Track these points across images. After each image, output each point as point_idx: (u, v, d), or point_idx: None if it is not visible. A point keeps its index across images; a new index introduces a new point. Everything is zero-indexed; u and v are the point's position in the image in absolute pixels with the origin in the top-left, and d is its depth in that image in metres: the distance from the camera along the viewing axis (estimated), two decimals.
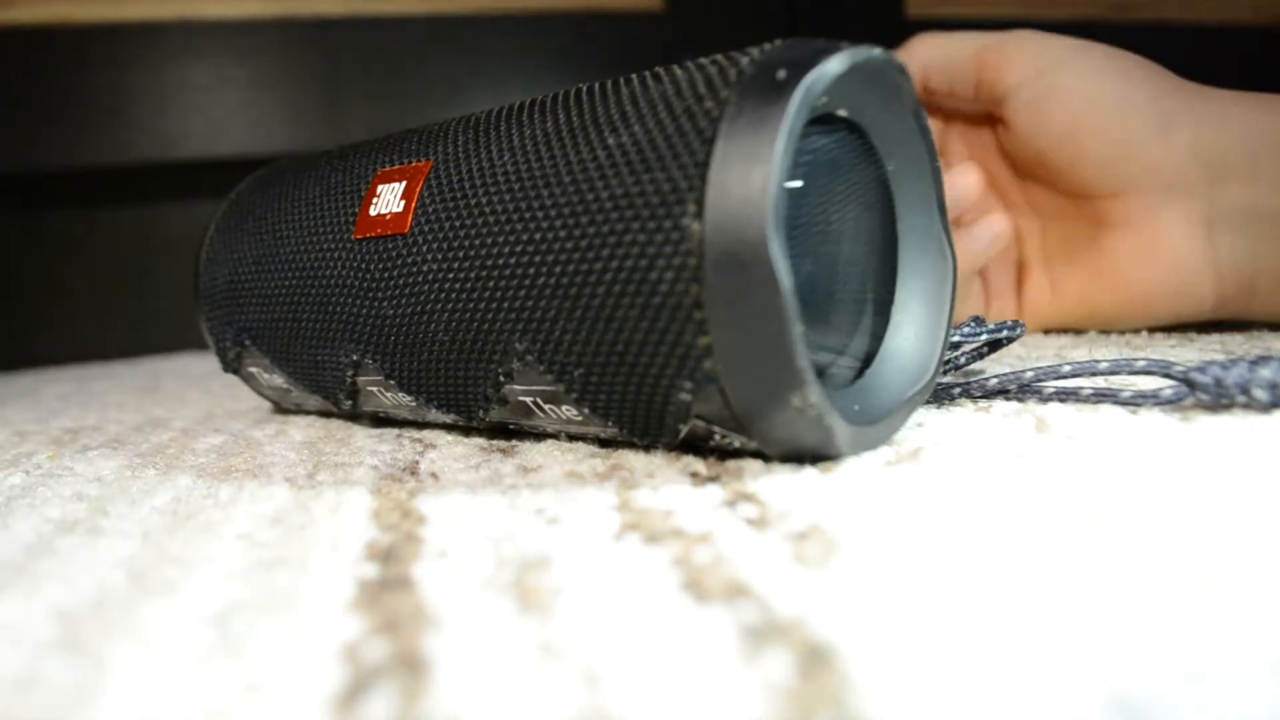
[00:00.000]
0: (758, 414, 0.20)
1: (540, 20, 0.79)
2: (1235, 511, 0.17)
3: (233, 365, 0.34)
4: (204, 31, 0.73)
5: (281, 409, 0.37)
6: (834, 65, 0.20)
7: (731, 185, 0.19)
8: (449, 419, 0.28)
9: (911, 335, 0.25)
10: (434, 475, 0.24)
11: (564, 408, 0.24)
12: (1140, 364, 0.25)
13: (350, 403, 0.30)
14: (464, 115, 0.28)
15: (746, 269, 0.19)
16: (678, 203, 0.20)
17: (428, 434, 0.29)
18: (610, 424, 0.23)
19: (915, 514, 0.18)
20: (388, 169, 0.28)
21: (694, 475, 0.22)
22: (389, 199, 0.27)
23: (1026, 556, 0.15)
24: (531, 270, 0.23)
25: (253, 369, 0.34)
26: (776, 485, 0.20)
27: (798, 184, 0.21)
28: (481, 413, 0.26)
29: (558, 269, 0.22)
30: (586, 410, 0.23)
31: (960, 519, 0.17)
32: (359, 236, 0.27)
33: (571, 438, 0.26)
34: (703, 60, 0.22)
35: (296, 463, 0.27)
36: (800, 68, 0.20)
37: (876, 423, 0.23)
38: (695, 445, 0.23)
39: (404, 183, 0.27)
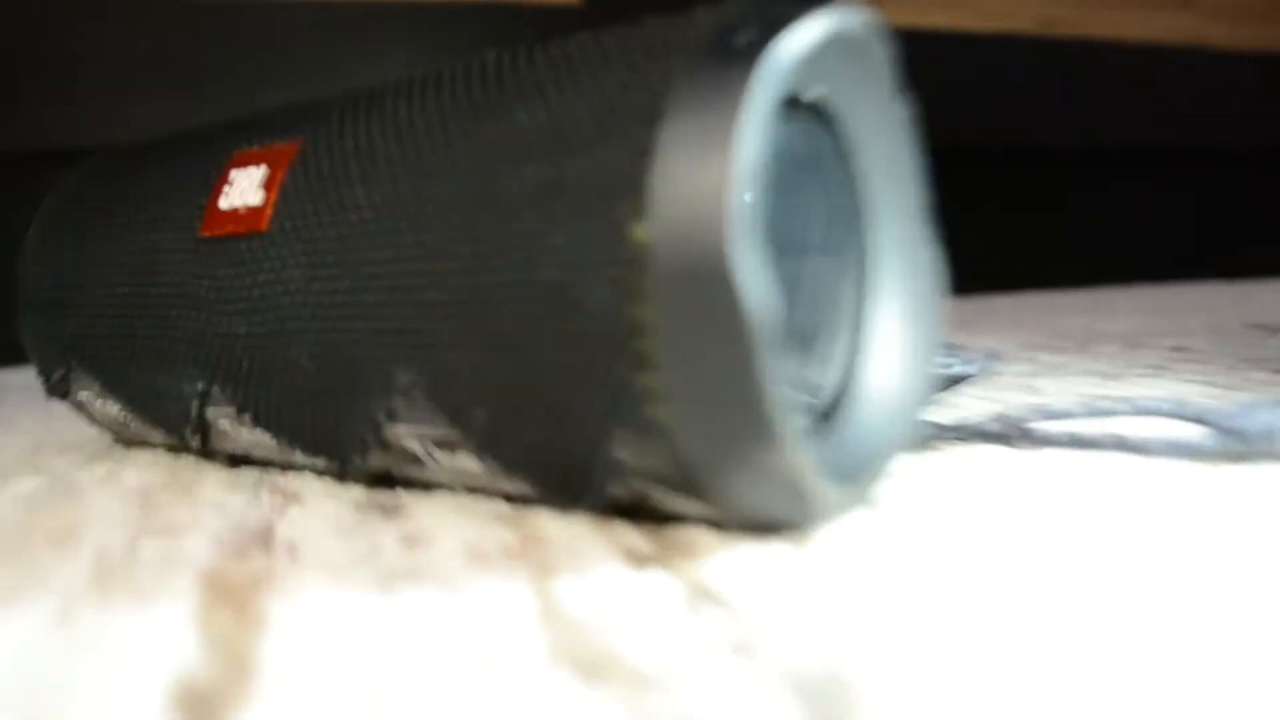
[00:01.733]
0: (714, 474, 0.16)
1: (450, 12, 0.73)
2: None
3: (59, 389, 0.28)
4: None
5: (124, 440, 0.31)
6: (810, 30, 0.15)
7: (685, 177, 0.14)
8: (319, 463, 0.22)
9: (891, 369, 0.20)
10: (292, 549, 0.18)
11: (460, 456, 0.19)
12: (1152, 403, 0.21)
13: (200, 440, 0.25)
14: (346, 90, 0.23)
15: (705, 286, 0.14)
16: (611, 198, 0.15)
17: (294, 481, 0.24)
18: (519, 479, 0.18)
19: (930, 625, 0.13)
20: (246, 150, 0.22)
21: (630, 554, 0.17)
22: (244, 188, 0.21)
23: (1069, 664, 0.11)
24: (420, 281, 0.18)
25: (83, 395, 0.28)
26: (742, 574, 0.15)
27: (766, 177, 0.16)
28: (357, 459, 0.21)
29: (452, 280, 0.17)
30: (490, 461, 0.18)
31: (982, 625, 0.13)
32: (206, 235, 0.22)
33: (471, 489, 0.21)
34: (644, 23, 0.17)
35: (118, 523, 0.21)
36: (766, 30, 0.15)
37: (856, 478, 0.18)
38: (628, 507, 0.18)
39: (264, 168, 0.21)
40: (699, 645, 0.13)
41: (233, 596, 0.16)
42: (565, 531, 0.18)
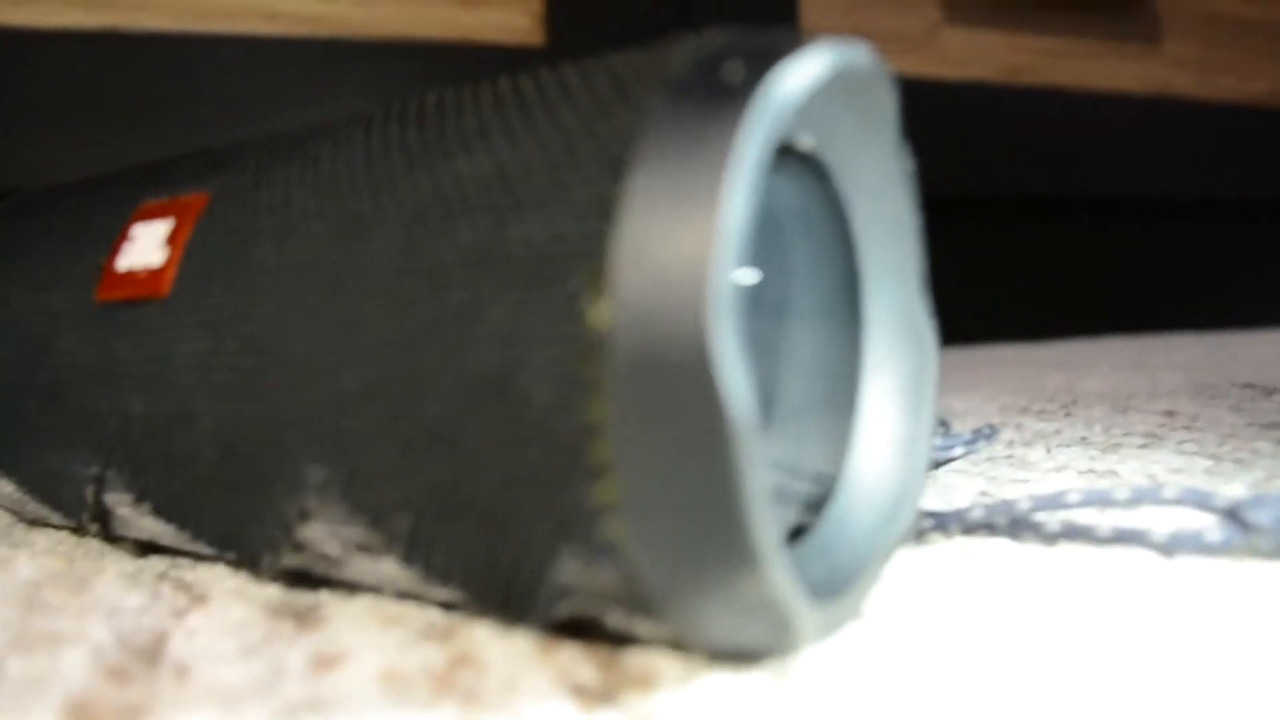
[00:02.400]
0: (681, 597, 0.13)
1: (405, 49, 0.71)
2: None
3: None
4: None
5: (25, 519, 0.28)
6: (809, 67, 0.13)
7: (657, 243, 0.12)
8: (229, 558, 0.19)
9: (883, 452, 0.18)
10: (181, 671, 0.16)
11: (385, 563, 0.16)
12: (1170, 494, 0.19)
13: (99, 527, 0.22)
14: (267, 133, 0.20)
15: (677, 381, 0.12)
16: (562, 266, 0.13)
17: (202, 575, 0.21)
18: (452, 591, 0.16)
19: None
20: (151, 203, 0.20)
21: (577, 689, 0.14)
22: (146, 245, 0.19)
23: None
24: (333, 363, 0.15)
25: None
26: (708, 717, 0.13)
27: (753, 244, 0.14)
28: (268, 559, 0.18)
29: (372, 363, 0.15)
30: (418, 570, 0.16)
31: None
32: (103, 299, 0.19)
33: (402, 594, 0.18)
34: (613, 56, 0.15)
35: None
36: (759, 64, 0.13)
37: (845, 590, 0.16)
38: (578, 626, 0.15)
39: (169, 223, 0.19)
40: None
41: None
42: (502, 654, 0.15)
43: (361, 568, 0.17)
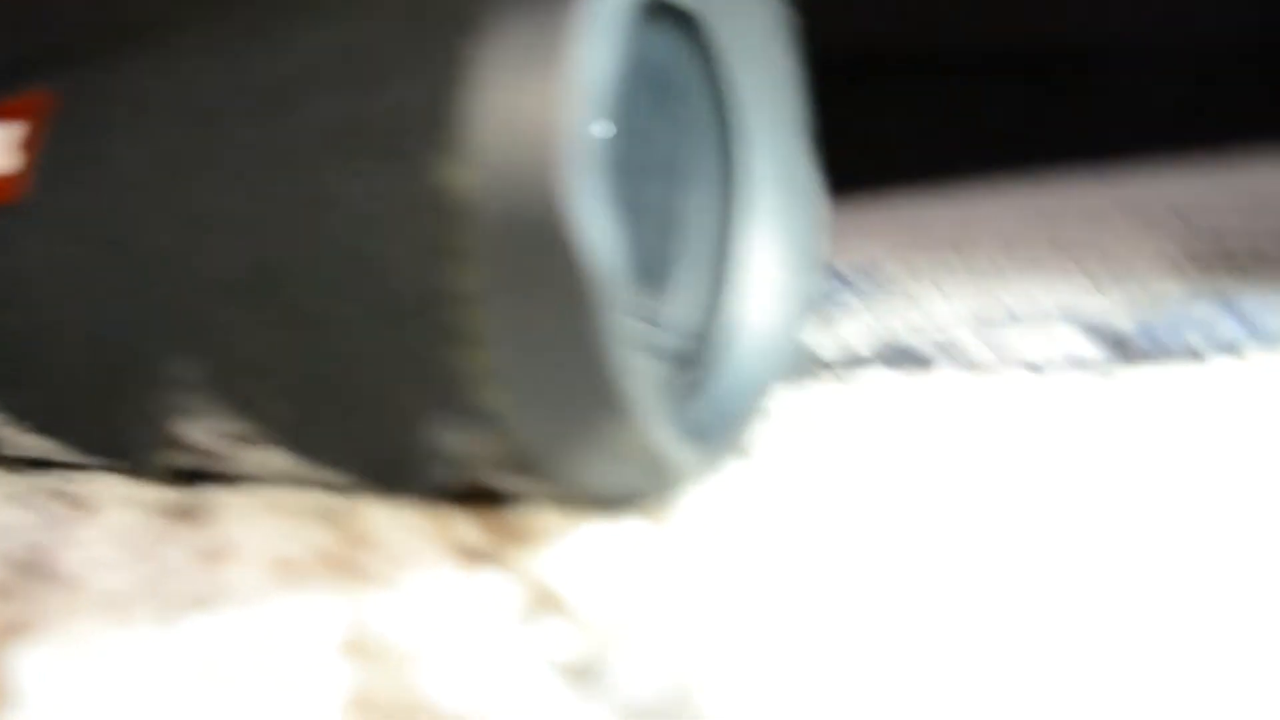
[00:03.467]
0: (557, 455, 0.13)
1: None
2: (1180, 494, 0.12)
3: None
4: None
5: None
6: None
7: (511, 102, 0.12)
8: (113, 465, 0.19)
9: (761, 298, 0.18)
10: (67, 581, 0.15)
11: (268, 452, 0.16)
12: (1054, 314, 0.19)
13: None
14: (105, 12, 0.19)
15: (540, 244, 0.12)
16: (416, 133, 0.12)
17: (89, 485, 0.20)
18: (338, 472, 0.16)
19: (824, 612, 0.11)
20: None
21: (464, 550, 0.14)
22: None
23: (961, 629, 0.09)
24: (195, 254, 0.15)
25: None
26: (591, 565, 0.13)
27: (614, 100, 0.14)
28: (151, 461, 0.18)
29: (234, 250, 0.14)
30: (301, 456, 0.16)
31: (878, 613, 0.11)
32: None
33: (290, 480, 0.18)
34: None
35: None
36: None
37: (726, 429, 0.16)
38: (464, 492, 0.16)
39: (19, 125, 0.18)
40: (530, 672, 0.11)
41: None
42: (391, 526, 0.16)
43: (245, 459, 0.17)
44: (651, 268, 0.17)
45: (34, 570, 0.16)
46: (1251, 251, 0.31)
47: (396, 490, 0.15)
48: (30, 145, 0.18)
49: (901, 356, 0.20)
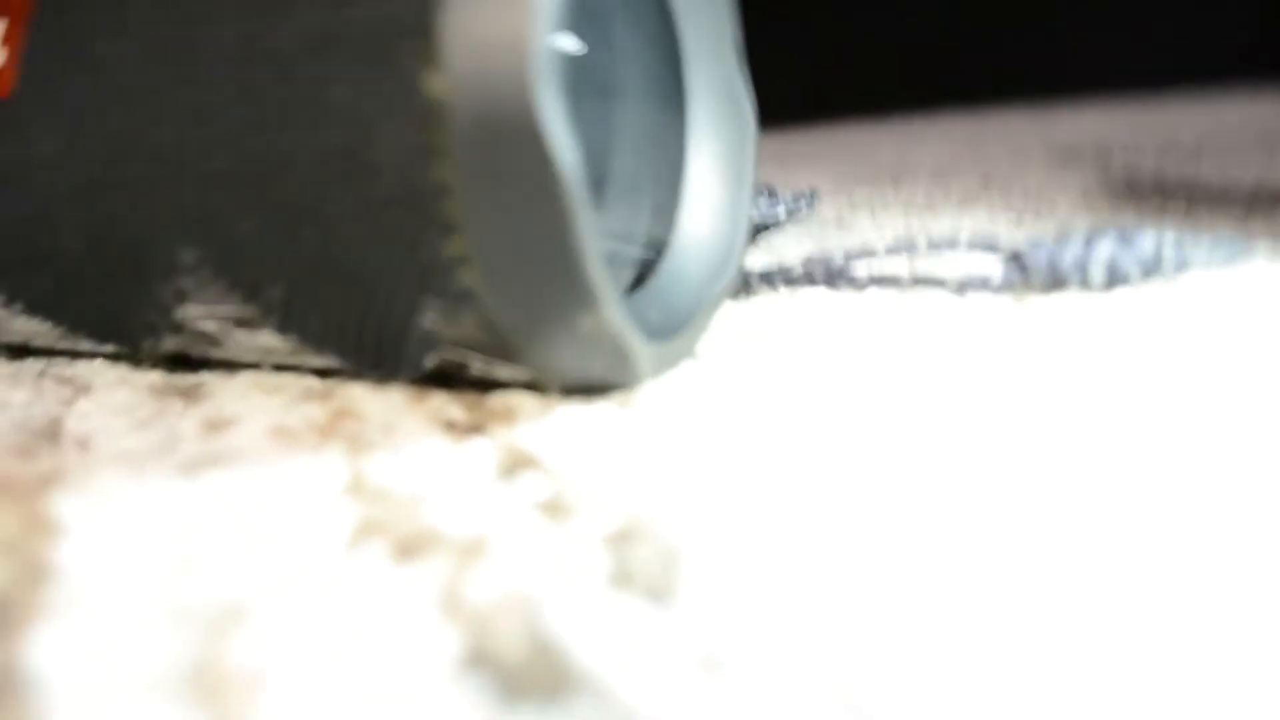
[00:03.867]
0: (532, 338, 0.15)
1: None
2: (1072, 406, 0.14)
3: None
4: None
5: None
6: None
7: (482, 15, 0.13)
8: (108, 349, 0.20)
9: (708, 216, 0.20)
10: (82, 444, 0.17)
11: (262, 334, 0.18)
12: (964, 241, 0.22)
13: None
14: None
15: (511, 143, 0.13)
16: (399, 43, 0.14)
17: (81, 369, 0.22)
18: (327, 354, 0.17)
19: (760, 476, 0.13)
20: None
21: (449, 425, 0.16)
22: None
23: (896, 501, 0.11)
24: (193, 149, 0.16)
25: None
26: (564, 437, 0.15)
27: (573, 14, 0.15)
28: (148, 344, 0.19)
29: (229, 146, 0.16)
30: (293, 338, 0.17)
31: (805, 477, 0.13)
32: None
33: (279, 367, 0.20)
34: None
35: None
36: None
37: (678, 333, 0.18)
38: (446, 376, 0.17)
39: (3, 21, 0.19)
40: (515, 512, 0.13)
41: (17, 499, 0.15)
42: (379, 405, 0.17)
43: (240, 341, 0.18)
44: (607, 178, 0.19)
45: (48, 436, 0.18)
46: (1155, 186, 0.34)
47: (382, 372, 0.17)
48: (11, 41, 0.19)
49: (835, 276, 0.22)
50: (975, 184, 0.38)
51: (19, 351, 0.24)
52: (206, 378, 0.20)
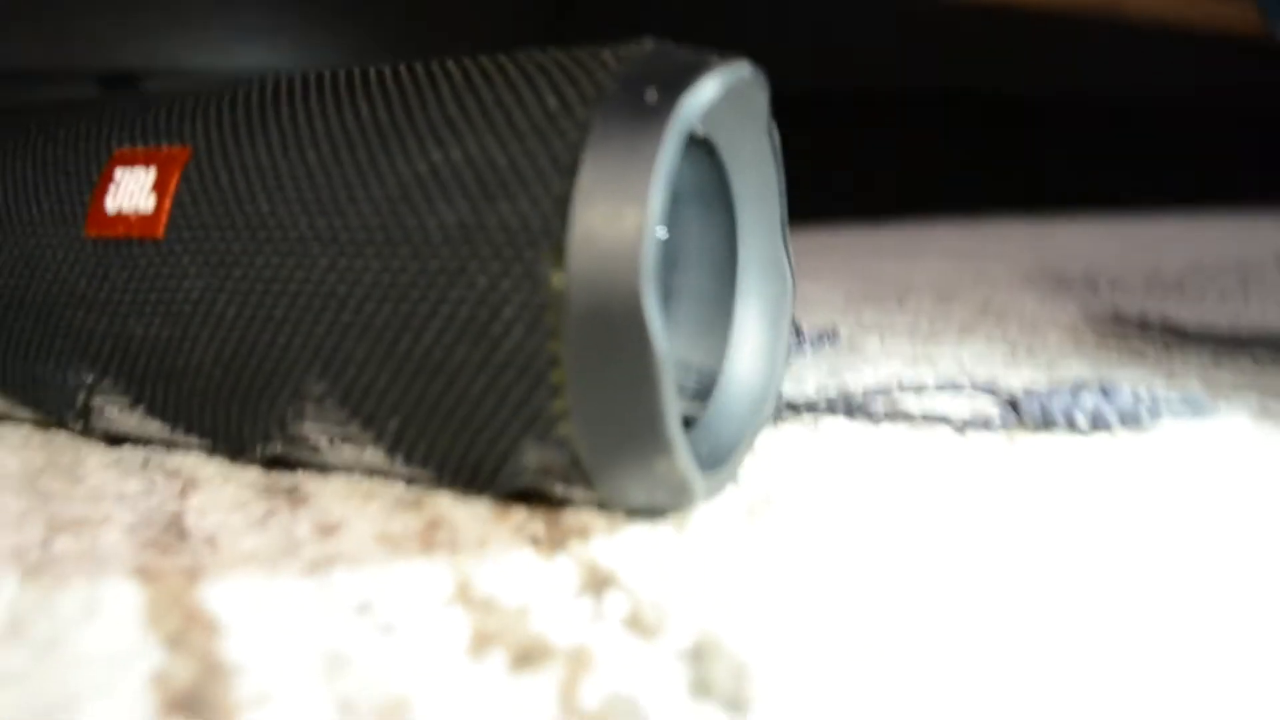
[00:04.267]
0: (612, 476, 0.18)
1: None
2: (1058, 531, 0.17)
3: None
4: None
5: None
6: (709, 88, 0.17)
7: (599, 230, 0.16)
8: (214, 448, 0.23)
9: (751, 359, 0.23)
10: (210, 541, 0.20)
11: (367, 452, 0.20)
12: (968, 385, 0.25)
13: (82, 424, 0.25)
14: (224, 85, 0.23)
15: (616, 330, 0.16)
16: (530, 245, 0.17)
17: (182, 461, 0.25)
18: (427, 472, 0.20)
19: (802, 595, 0.16)
20: (127, 149, 0.23)
21: (534, 540, 0.19)
22: (133, 191, 0.22)
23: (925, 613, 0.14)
24: (333, 304, 0.19)
25: None
26: (634, 556, 0.18)
27: (664, 230, 0.18)
28: (257, 449, 0.22)
29: (368, 306, 0.19)
30: (399, 459, 0.20)
31: (841, 590, 0.16)
32: (93, 235, 0.22)
33: (370, 473, 0.23)
34: (545, 59, 0.19)
35: (20, 517, 0.21)
36: (672, 89, 0.17)
37: (725, 463, 0.21)
38: (526, 493, 0.20)
39: (153, 171, 0.22)
40: (605, 628, 0.15)
41: (173, 593, 0.17)
42: (467, 516, 0.20)
43: (343, 455, 0.21)
44: (679, 327, 0.22)
45: (176, 532, 0.20)
46: (1138, 323, 0.37)
47: (470, 490, 0.20)
48: (162, 188, 0.22)
49: (854, 409, 0.25)
50: (974, 310, 0.41)
51: (115, 439, 0.27)
52: (302, 478, 0.23)
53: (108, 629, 0.16)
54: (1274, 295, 0.44)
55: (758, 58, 0.20)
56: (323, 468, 0.23)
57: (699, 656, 0.14)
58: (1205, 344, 0.34)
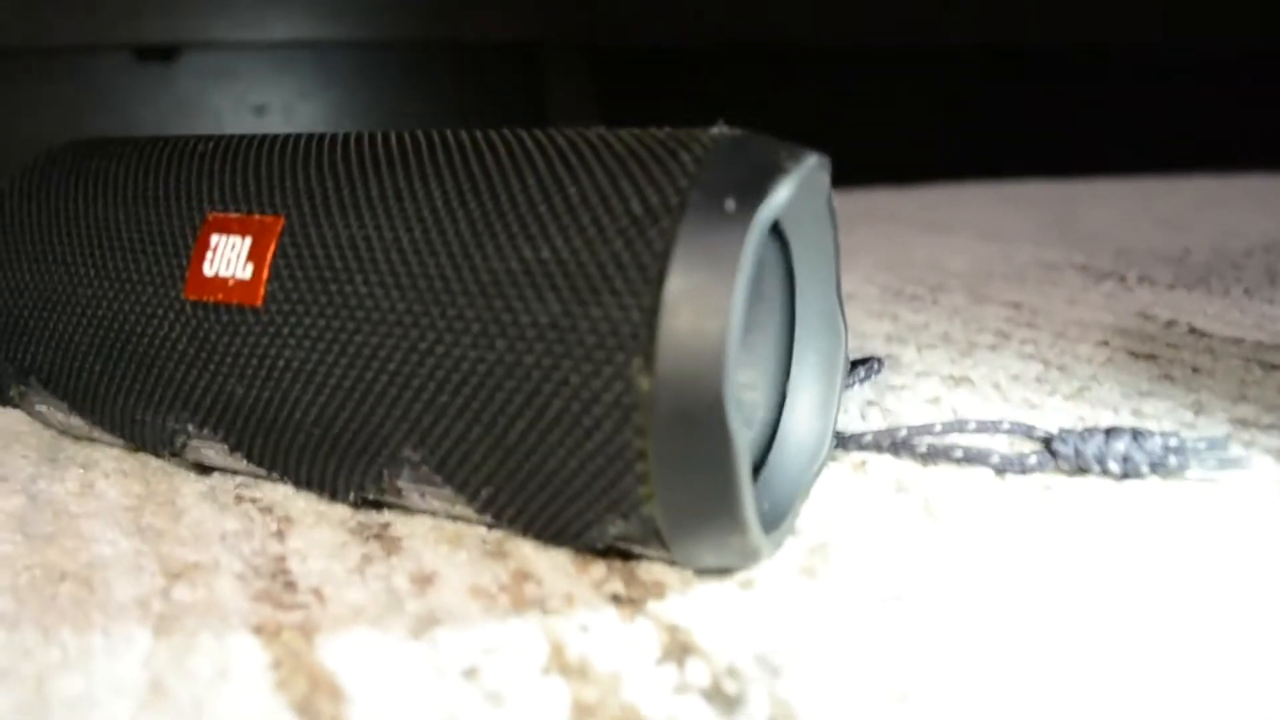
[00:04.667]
0: (689, 546, 0.20)
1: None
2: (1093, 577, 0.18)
3: (11, 402, 0.30)
4: None
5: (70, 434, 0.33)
6: (784, 192, 0.19)
7: (685, 338, 0.18)
8: (308, 491, 0.25)
9: (807, 412, 0.25)
10: (317, 593, 0.22)
11: (458, 507, 0.22)
12: (1005, 426, 0.26)
13: (177, 458, 0.27)
14: (310, 147, 0.24)
15: (699, 430, 0.18)
16: (620, 349, 0.18)
17: (272, 495, 0.27)
18: (514, 529, 0.22)
19: (867, 649, 0.18)
20: (223, 216, 0.24)
21: (615, 599, 0.21)
22: (230, 259, 0.23)
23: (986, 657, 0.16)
24: (432, 385, 0.21)
25: (42, 408, 0.29)
26: (708, 619, 0.20)
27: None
28: (353, 498, 0.24)
29: (465, 390, 0.20)
30: (489, 519, 0.22)
31: (902, 639, 0.18)
32: (192, 298, 0.24)
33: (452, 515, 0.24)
34: (630, 146, 0.20)
35: (132, 558, 0.23)
36: (750, 195, 0.18)
37: (785, 518, 0.22)
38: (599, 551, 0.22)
39: (249, 240, 0.23)
40: (689, 700, 0.17)
41: (294, 653, 0.19)
42: (549, 567, 0.22)
43: (434, 506, 0.23)
44: (749, 401, 0.24)
45: (283, 581, 0.22)
46: (1164, 332, 0.38)
47: (557, 543, 0.22)
48: (258, 257, 0.23)
49: (899, 447, 0.27)
50: (1006, 315, 0.43)
51: (203, 467, 0.29)
52: (390, 517, 0.25)
53: (241, 692, 0.18)
54: None
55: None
56: (409, 510, 0.25)
57: None
58: (1233, 365, 0.35)
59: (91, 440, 0.31)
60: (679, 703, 0.17)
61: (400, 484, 0.22)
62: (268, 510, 0.26)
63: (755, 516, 0.19)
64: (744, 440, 0.18)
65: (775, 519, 0.22)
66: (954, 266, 0.53)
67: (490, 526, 0.24)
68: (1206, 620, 0.19)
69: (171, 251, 0.24)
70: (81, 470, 0.29)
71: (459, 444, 0.21)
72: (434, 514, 0.25)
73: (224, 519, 0.26)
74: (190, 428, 0.25)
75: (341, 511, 0.25)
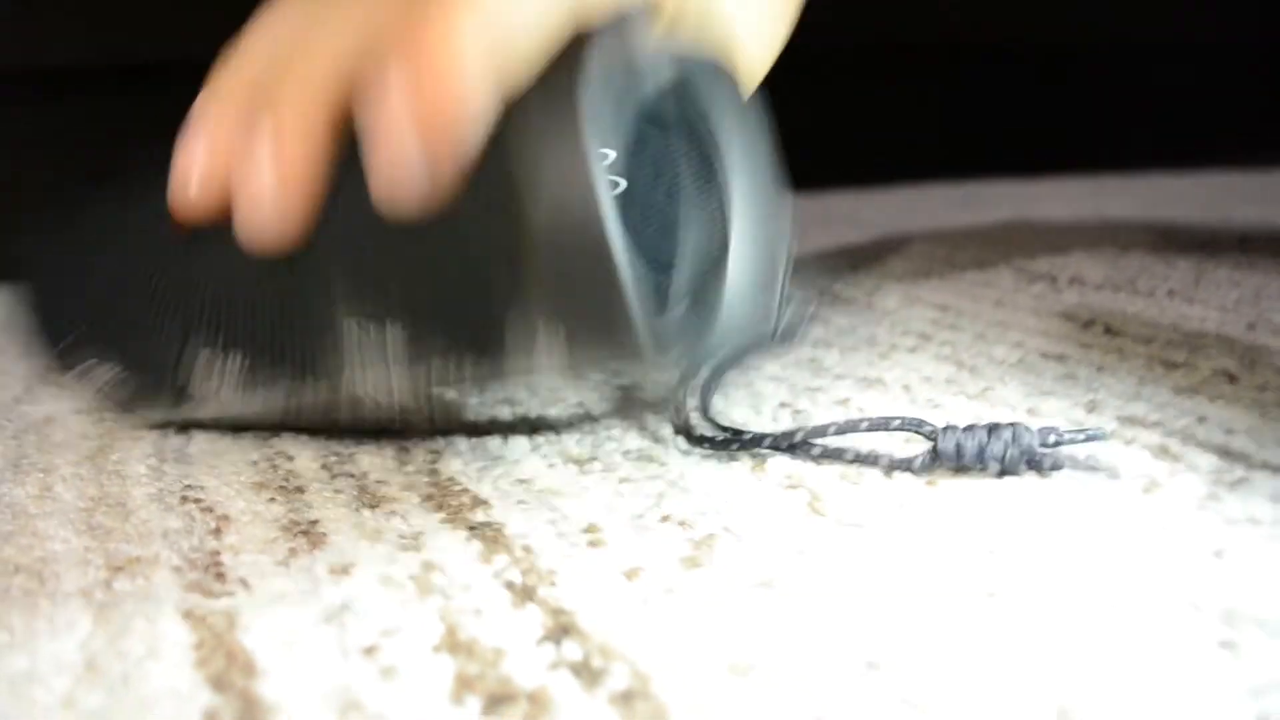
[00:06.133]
0: (580, 349, 0.26)
1: None
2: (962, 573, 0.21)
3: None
4: None
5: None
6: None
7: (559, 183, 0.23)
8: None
9: (743, 272, 0.29)
10: (244, 583, 0.24)
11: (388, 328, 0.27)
12: (896, 423, 0.28)
13: (178, 400, 0.32)
14: None
15: (581, 255, 0.23)
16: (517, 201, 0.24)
17: (214, 497, 0.29)
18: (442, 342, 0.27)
19: (730, 631, 0.20)
20: None
21: (509, 586, 0.23)
22: None
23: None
24: (367, 262, 0.27)
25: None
26: (591, 604, 0.22)
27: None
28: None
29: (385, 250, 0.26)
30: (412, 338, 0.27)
31: (763, 622, 0.20)
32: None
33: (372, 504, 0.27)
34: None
35: (83, 554, 0.25)
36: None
37: (702, 335, 0.27)
38: (504, 544, 0.24)
39: None
40: (558, 675, 0.19)
41: (216, 633, 0.21)
42: (455, 560, 0.24)
43: (371, 336, 0.27)
44: (668, 248, 0.28)
45: (215, 573, 0.24)
46: (1086, 323, 0.40)
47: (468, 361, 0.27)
48: None
49: (796, 448, 0.29)
50: (931, 318, 0.45)
51: (157, 471, 0.31)
52: (319, 516, 0.27)
53: (165, 668, 0.20)
54: (1217, 293, 0.47)
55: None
56: (335, 498, 0.27)
57: (628, 700, 0.18)
58: (1136, 364, 0.37)
59: (62, 441, 0.34)
60: (550, 676, 0.19)
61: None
62: (209, 510, 0.28)
63: (635, 291, 0.23)
64: (628, 263, 0.23)
65: (695, 331, 0.26)
66: (896, 269, 0.55)
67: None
68: (1055, 607, 0.21)
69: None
70: (42, 475, 0.31)
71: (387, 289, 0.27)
72: (371, 509, 0.27)
73: (168, 518, 0.28)
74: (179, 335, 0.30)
75: (276, 510, 0.28)
